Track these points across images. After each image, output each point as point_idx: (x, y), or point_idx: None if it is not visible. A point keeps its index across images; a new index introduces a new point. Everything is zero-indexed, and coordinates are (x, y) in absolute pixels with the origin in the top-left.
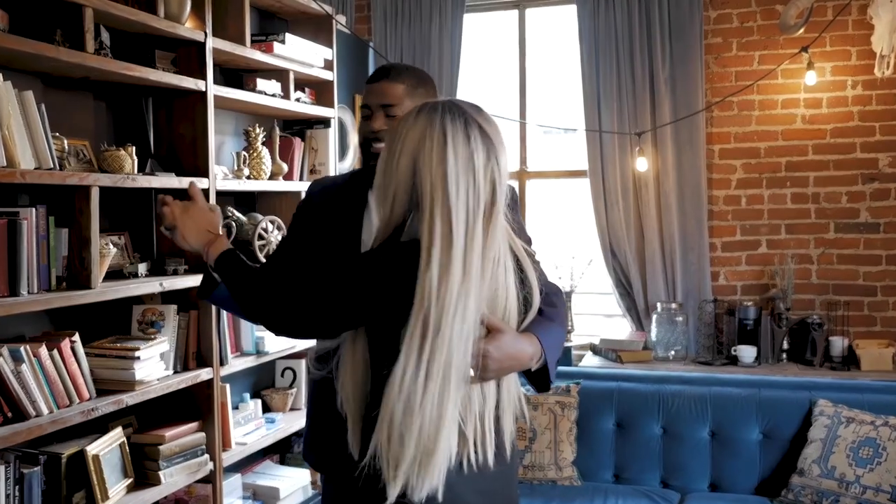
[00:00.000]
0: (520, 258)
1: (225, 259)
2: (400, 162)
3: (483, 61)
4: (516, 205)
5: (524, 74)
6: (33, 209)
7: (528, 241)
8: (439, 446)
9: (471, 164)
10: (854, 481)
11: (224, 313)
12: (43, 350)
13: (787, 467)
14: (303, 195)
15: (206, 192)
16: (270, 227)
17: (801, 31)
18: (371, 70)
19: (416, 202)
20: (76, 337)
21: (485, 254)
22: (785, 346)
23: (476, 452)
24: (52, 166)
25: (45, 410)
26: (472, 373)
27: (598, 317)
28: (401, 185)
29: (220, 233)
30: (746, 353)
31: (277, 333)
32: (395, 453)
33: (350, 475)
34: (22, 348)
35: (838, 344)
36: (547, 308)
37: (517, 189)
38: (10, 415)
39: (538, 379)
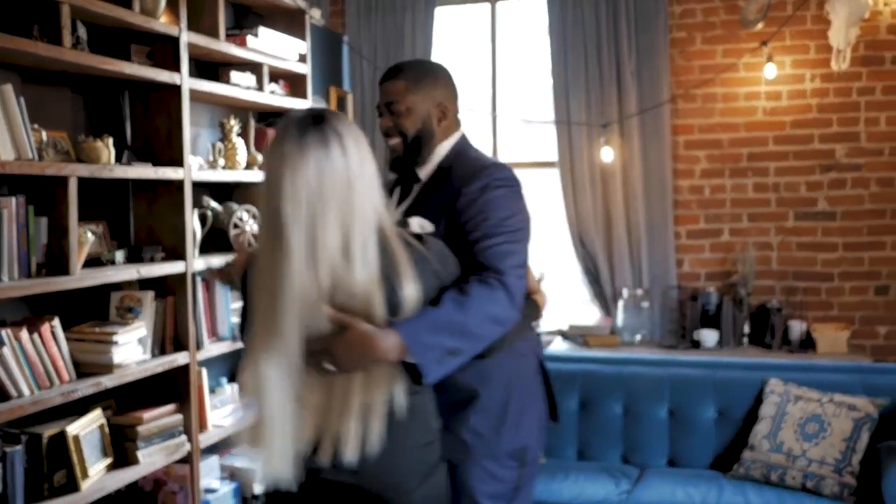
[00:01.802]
0: (392, 256)
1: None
2: None
3: (455, 54)
4: (475, 195)
5: (495, 67)
6: (13, 198)
7: (484, 233)
8: (268, 439)
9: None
10: (800, 455)
11: (199, 298)
12: (24, 333)
13: (740, 443)
14: None
15: (181, 182)
16: (245, 216)
17: (761, 25)
18: (345, 62)
19: None
20: (56, 321)
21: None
22: (746, 330)
23: (338, 453)
24: (31, 157)
25: (26, 392)
26: (329, 368)
27: (567, 304)
28: None
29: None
30: (708, 337)
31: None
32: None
33: None
34: (3, 332)
35: (796, 328)
36: (455, 295)
37: None
38: None
39: (413, 371)
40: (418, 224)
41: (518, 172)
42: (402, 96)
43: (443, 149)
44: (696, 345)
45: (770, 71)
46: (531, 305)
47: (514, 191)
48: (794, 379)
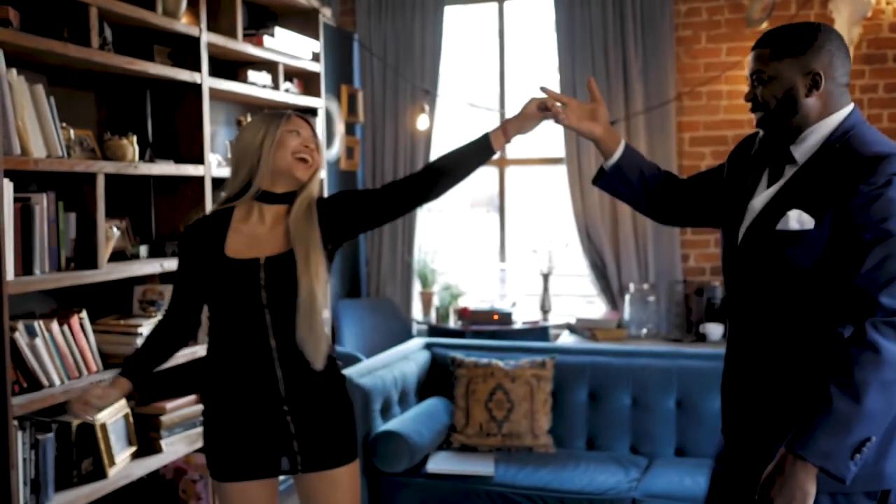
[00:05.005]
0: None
1: None
2: None
3: (464, 52)
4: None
5: (503, 65)
6: (44, 195)
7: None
8: None
9: None
10: None
11: None
12: (55, 325)
13: None
14: None
15: (201, 178)
16: None
17: (766, 24)
18: (356, 61)
19: None
20: (84, 314)
21: None
22: None
23: None
24: (61, 154)
25: (56, 381)
26: None
27: (574, 298)
28: None
29: None
30: (713, 330)
31: None
32: None
33: None
34: (36, 323)
35: None
36: (839, 380)
37: (500, 175)
38: (25, 385)
39: None
40: (797, 219)
41: (527, 169)
42: (766, 64)
43: (825, 126)
44: (701, 338)
45: None
46: None
47: None
48: None
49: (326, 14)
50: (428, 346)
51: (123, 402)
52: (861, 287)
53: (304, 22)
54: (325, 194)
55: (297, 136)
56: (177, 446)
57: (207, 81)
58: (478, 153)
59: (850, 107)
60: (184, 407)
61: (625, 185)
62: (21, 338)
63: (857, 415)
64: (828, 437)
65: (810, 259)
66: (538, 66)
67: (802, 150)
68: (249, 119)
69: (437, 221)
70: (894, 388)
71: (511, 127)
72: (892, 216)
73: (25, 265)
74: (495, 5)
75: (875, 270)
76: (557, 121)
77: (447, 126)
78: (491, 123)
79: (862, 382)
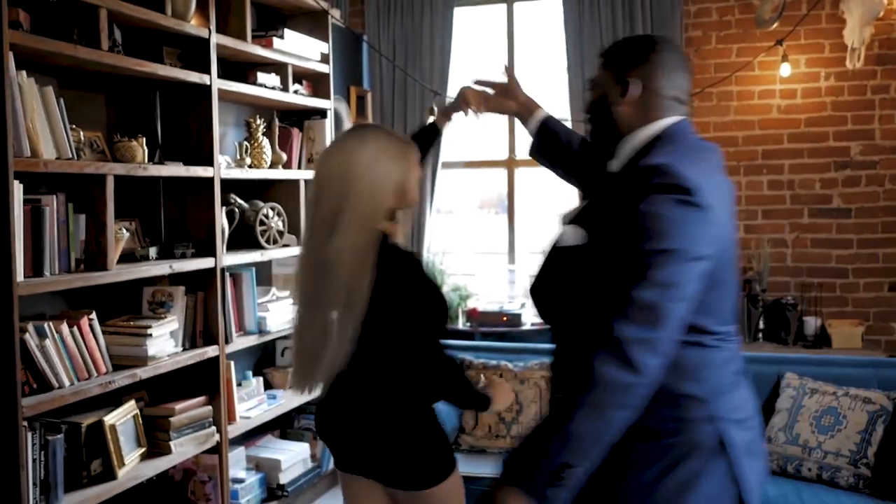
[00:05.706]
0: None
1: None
2: None
3: (473, 54)
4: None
5: (512, 66)
6: (54, 196)
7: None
8: None
9: None
10: (816, 447)
11: (228, 293)
12: (64, 327)
13: None
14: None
15: (211, 180)
16: (271, 213)
17: (776, 24)
18: (365, 63)
19: None
20: (93, 315)
21: None
22: (761, 325)
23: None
24: (70, 156)
25: (66, 382)
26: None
27: None
28: None
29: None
30: None
31: None
32: None
33: None
34: (46, 325)
35: (811, 323)
36: (563, 396)
37: (509, 175)
38: (35, 386)
39: None
40: (570, 235)
41: (535, 170)
42: (597, 72)
43: (639, 137)
44: None
45: (785, 70)
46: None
47: (679, 201)
48: (810, 373)
49: (335, 15)
50: None
51: (132, 403)
52: (602, 308)
53: (313, 23)
54: None
55: (420, 170)
56: (186, 447)
57: (217, 83)
58: (432, 133)
59: (675, 119)
60: (193, 408)
61: (550, 154)
62: (31, 339)
63: (558, 435)
64: (530, 456)
65: (585, 277)
66: (547, 67)
67: (617, 164)
68: (366, 140)
69: (445, 222)
70: (607, 414)
71: (451, 111)
72: (643, 233)
73: (35, 266)
74: (504, 6)
75: (614, 292)
76: (474, 112)
77: (456, 127)
78: (498, 125)
79: (571, 403)
